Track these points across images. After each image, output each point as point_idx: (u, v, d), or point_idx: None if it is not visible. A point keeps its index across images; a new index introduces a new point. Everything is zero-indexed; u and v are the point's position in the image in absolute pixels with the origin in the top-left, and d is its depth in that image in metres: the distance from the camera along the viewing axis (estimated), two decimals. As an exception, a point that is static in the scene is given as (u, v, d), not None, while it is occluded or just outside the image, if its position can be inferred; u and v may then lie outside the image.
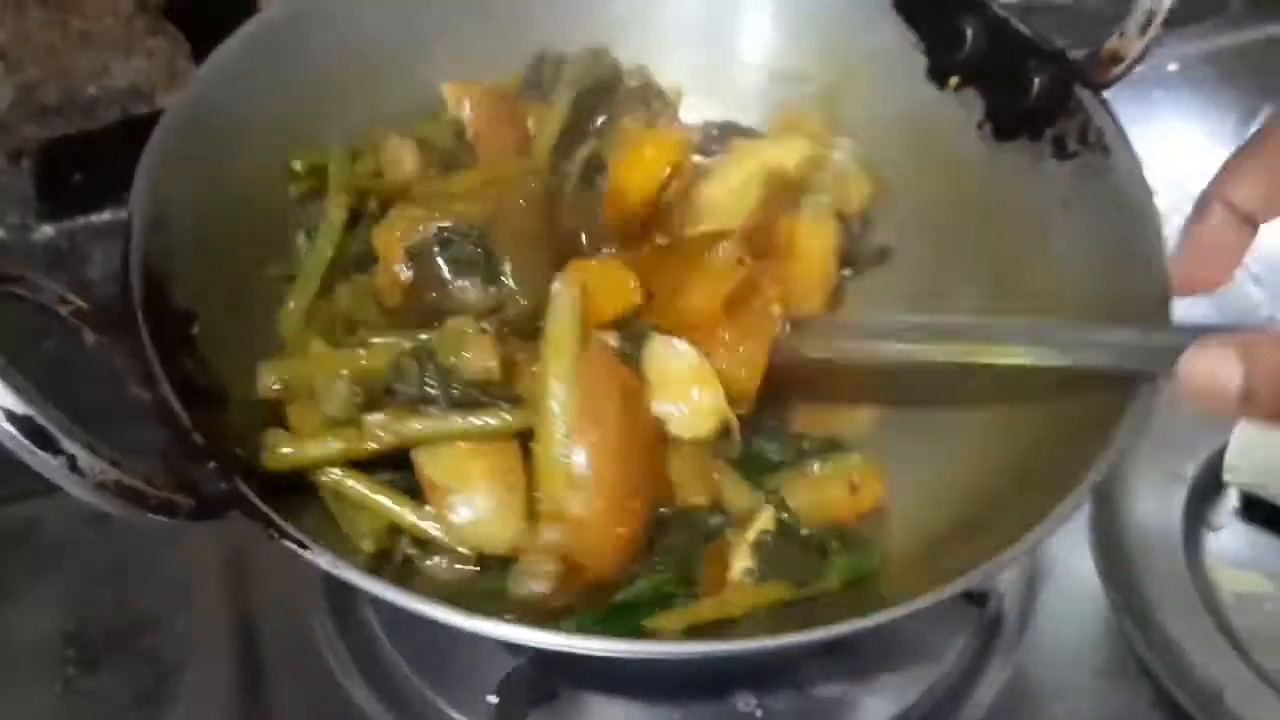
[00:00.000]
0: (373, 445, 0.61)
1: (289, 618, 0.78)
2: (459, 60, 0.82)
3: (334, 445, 0.61)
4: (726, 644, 0.54)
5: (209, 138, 0.70)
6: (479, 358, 0.60)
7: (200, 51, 0.95)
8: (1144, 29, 0.68)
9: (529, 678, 0.71)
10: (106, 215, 1.01)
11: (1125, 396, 0.58)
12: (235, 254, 0.70)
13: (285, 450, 0.60)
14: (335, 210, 0.73)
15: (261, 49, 0.75)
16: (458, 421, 0.60)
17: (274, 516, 0.53)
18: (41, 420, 0.47)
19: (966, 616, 0.75)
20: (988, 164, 0.75)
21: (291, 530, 0.53)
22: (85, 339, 0.59)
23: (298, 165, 0.76)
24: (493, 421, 0.61)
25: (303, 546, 0.52)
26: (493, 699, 0.70)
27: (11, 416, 0.46)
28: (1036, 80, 0.72)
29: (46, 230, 0.95)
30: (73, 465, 0.48)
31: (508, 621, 0.51)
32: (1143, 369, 0.57)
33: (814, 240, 0.75)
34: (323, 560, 0.52)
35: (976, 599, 0.75)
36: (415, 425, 0.61)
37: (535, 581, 0.59)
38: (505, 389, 0.61)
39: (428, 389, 0.61)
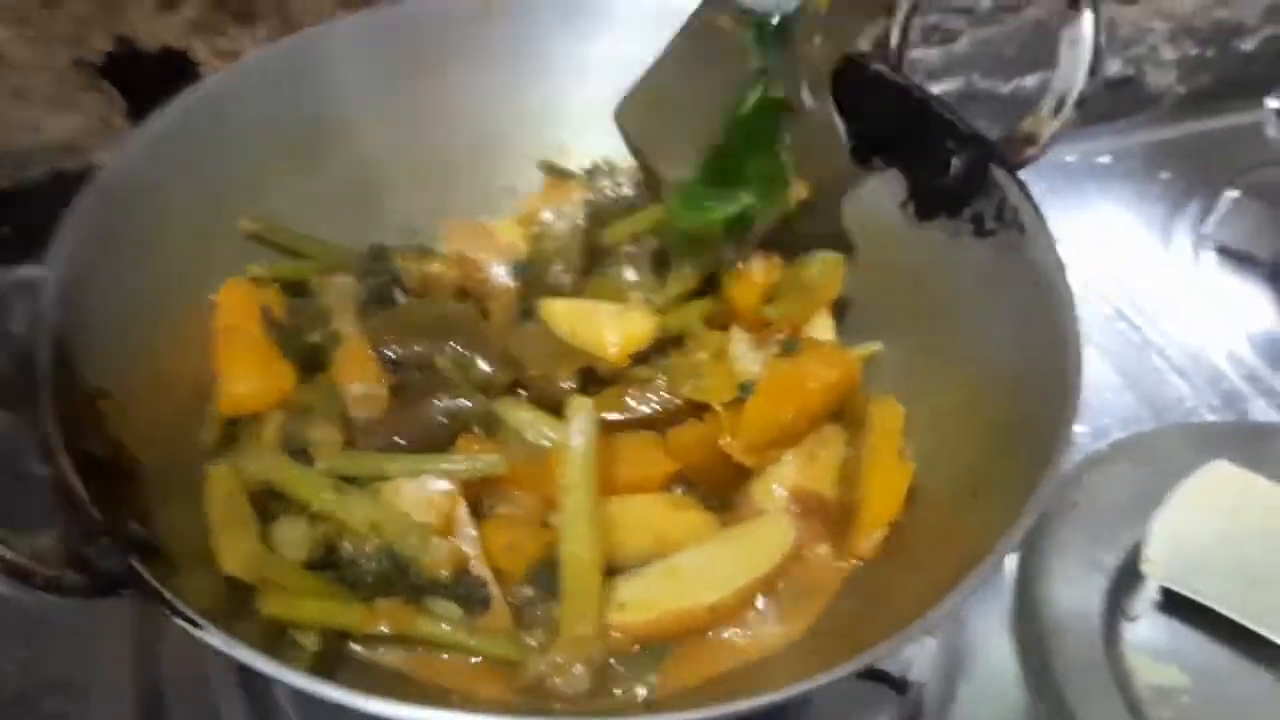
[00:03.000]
0: (379, 629, 0.62)
1: (196, 688, 0.76)
2: (394, 140, 0.83)
3: (343, 617, 0.62)
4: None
5: (136, 209, 0.70)
6: (437, 562, 0.63)
7: (136, 109, 0.95)
8: (1056, 111, 0.70)
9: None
10: (34, 269, 1.00)
11: (1033, 481, 0.58)
12: (156, 328, 0.69)
13: (276, 606, 0.61)
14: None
15: (198, 120, 0.75)
16: (463, 637, 0.63)
17: (166, 594, 0.52)
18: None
19: (886, 703, 0.75)
20: (912, 240, 0.77)
21: (184, 608, 0.52)
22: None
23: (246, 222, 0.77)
24: (495, 649, 0.63)
25: (195, 625, 0.51)
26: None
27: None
28: (955, 161, 0.73)
29: (-29, 281, 0.94)
30: (-50, 542, 0.47)
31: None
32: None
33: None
34: (215, 639, 0.51)
35: (897, 685, 0.75)
36: (423, 627, 0.63)
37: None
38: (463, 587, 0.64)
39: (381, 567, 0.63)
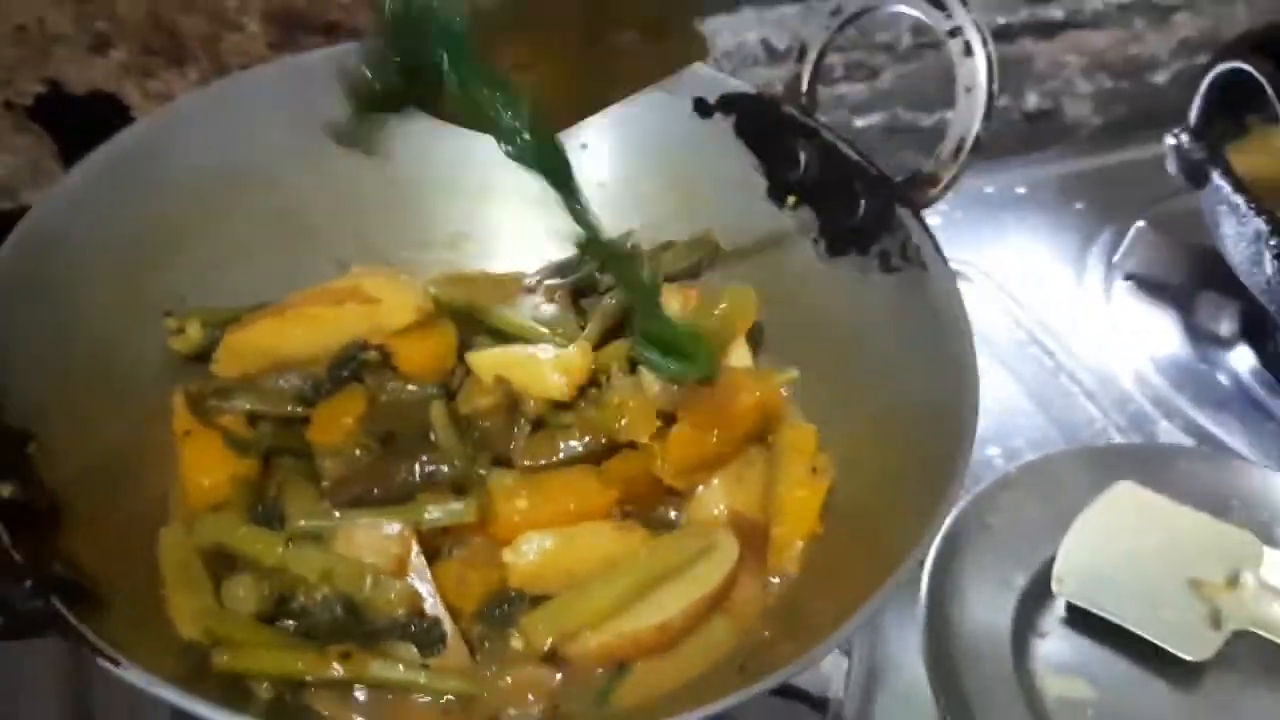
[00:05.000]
0: (333, 674, 0.63)
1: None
2: (324, 183, 0.84)
3: (294, 664, 0.63)
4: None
5: (60, 255, 0.71)
6: (390, 603, 0.64)
7: (66, 152, 0.96)
8: (955, 155, 0.73)
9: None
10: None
11: (932, 508, 0.62)
12: (84, 373, 0.70)
13: (228, 660, 0.62)
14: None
15: (125, 165, 0.76)
16: (415, 676, 0.64)
17: (87, 633, 0.53)
18: None
19: (805, 721, 0.77)
20: (824, 275, 0.80)
21: (105, 647, 0.53)
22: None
23: (172, 323, 0.78)
24: (449, 686, 0.64)
25: (115, 663, 0.52)
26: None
27: None
28: (863, 201, 0.77)
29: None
30: None
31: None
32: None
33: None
34: (134, 676, 0.52)
35: (815, 704, 0.77)
36: (377, 669, 0.63)
37: None
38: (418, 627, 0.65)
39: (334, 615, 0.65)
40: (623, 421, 0.73)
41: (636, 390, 0.74)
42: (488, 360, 0.76)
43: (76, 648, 0.54)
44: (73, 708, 0.77)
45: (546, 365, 0.75)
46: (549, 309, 0.84)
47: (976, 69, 0.70)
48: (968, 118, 0.71)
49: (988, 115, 0.71)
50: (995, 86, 0.70)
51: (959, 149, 0.72)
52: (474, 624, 0.68)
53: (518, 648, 0.65)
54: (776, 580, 0.72)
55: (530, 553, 0.67)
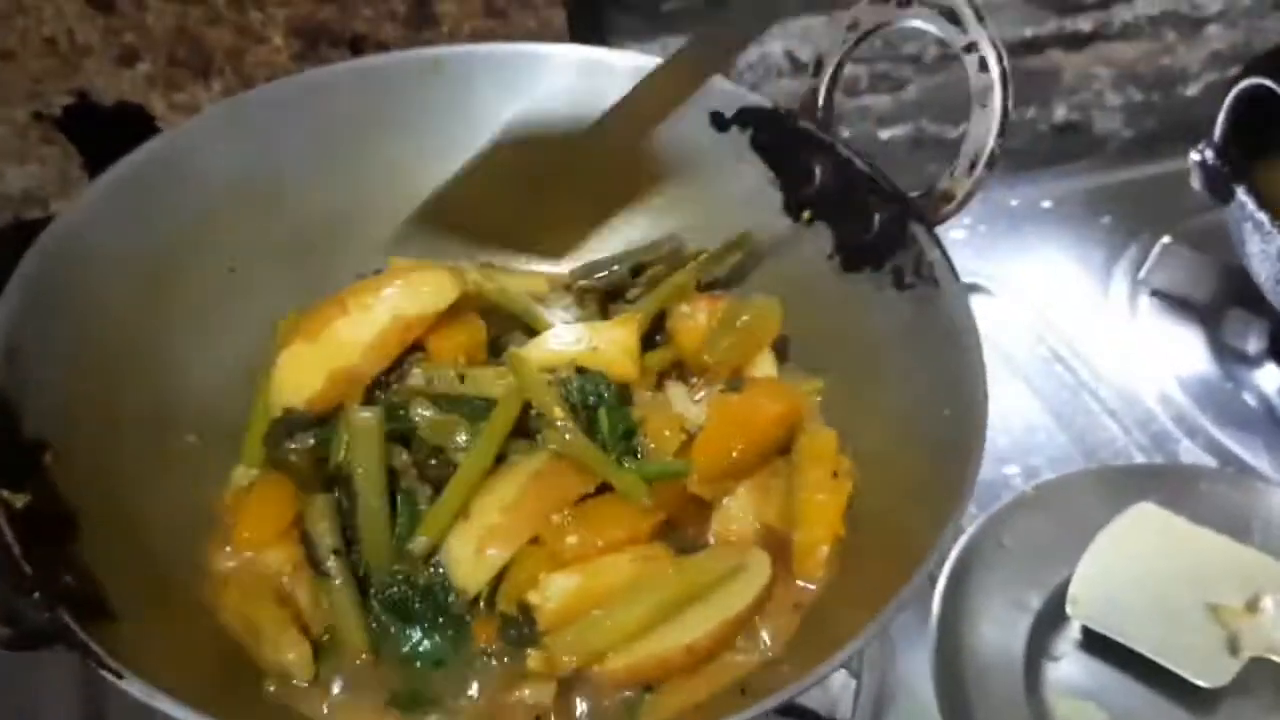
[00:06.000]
0: None
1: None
2: (347, 192, 0.85)
3: None
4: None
5: (83, 263, 0.72)
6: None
7: (91, 163, 0.97)
8: (971, 169, 0.72)
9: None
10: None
11: (935, 532, 0.61)
12: (102, 383, 0.71)
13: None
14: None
15: (148, 176, 0.77)
16: None
17: (92, 645, 0.54)
18: None
19: (817, 742, 0.76)
20: (840, 289, 0.79)
21: (108, 659, 0.53)
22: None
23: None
24: None
25: (118, 676, 0.53)
26: None
27: None
28: (877, 216, 0.76)
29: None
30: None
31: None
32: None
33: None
34: (136, 690, 0.53)
35: (826, 725, 0.77)
36: None
37: None
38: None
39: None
40: (648, 439, 0.73)
41: (662, 406, 0.74)
42: (538, 355, 0.75)
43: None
44: (88, 713, 0.78)
45: (606, 351, 0.75)
46: (575, 312, 0.83)
47: (992, 84, 0.69)
48: (983, 133, 0.70)
49: (1002, 131, 0.70)
50: (1010, 102, 0.69)
51: (974, 165, 0.71)
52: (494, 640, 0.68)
53: (534, 668, 0.65)
54: (805, 587, 0.71)
55: (555, 595, 0.66)
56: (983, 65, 0.70)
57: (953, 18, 0.70)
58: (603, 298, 0.84)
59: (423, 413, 0.72)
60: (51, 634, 0.54)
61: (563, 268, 0.88)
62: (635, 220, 0.88)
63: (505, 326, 0.80)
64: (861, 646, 0.57)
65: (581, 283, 0.85)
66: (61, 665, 0.80)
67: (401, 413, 0.72)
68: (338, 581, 0.68)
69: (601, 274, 0.85)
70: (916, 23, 0.72)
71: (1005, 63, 0.69)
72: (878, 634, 0.57)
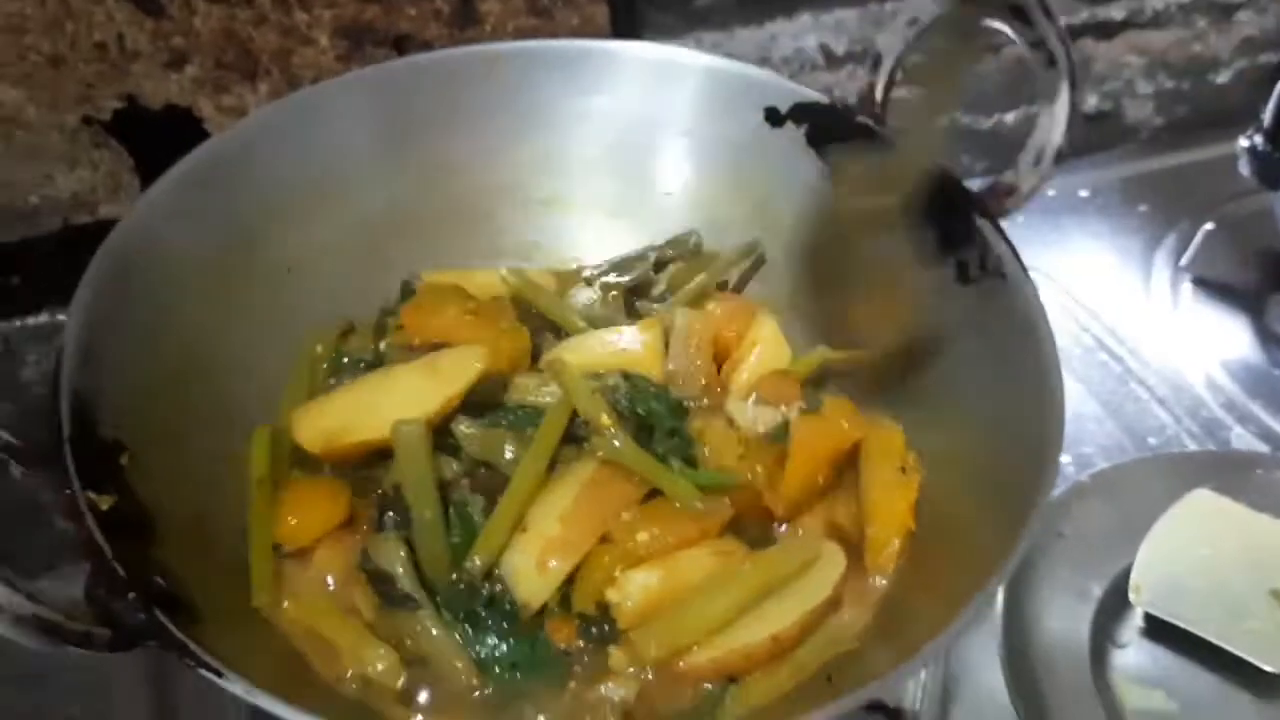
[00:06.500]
0: None
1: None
2: (397, 191, 0.86)
3: None
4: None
5: (150, 267, 0.72)
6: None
7: (142, 166, 0.97)
8: (1036, 163, 0.72)
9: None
10: (43, 318, 1.03)
11: (1018, 519, 0.61)
12: (172, 384, 0.71)
13: None
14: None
15: (205, 177, 0.77)
16: None
17: (190, 645, 0.54)
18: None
19: (884, 732, 0.77)
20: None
21: (207, 658, 0.54)
22: (12, 472, 0.59)
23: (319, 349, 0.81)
24: None
25: (218, 674, 0.53)
26: None
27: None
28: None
29: (-18, 330, 0.96)
30: (-11, 601, 0.49)
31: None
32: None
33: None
34: (237, 688, 0.53)
35: (892, 714, 0.77)
36: None
37: None
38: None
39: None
40: (705, 450, 0.73)
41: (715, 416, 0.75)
42: (578, 359, 0.76)
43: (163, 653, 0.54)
44: (160, 707, 0.79)
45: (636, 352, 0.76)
46: (600, 311, 0.84)
47: (1060, 80, 0.69)
48: (1050, 129, 0.71)
49: (1069, 127, 0.70)
50: (1078, 97, 0.69)
51: (1039, 159, 0.72)
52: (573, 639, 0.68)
53: (616, 666, 0.65)
54: (878, 582, 0.71)
55: (635, 593, 0.66)
56: (1050, 61, 0.70)
57: (1019, 14, 0.70)
58: (628, 294, 0.85)
59: (465, 430, 0.72)
60: (148, 635, 0.55)
61: (572, 264, 0.89)
62: (682, 214, 0.88)
63: (533, 325, 0.81)
64: (951, 641, 0.57)
65: (605, 279, 0.85)
66: (128, 666, 0.80)
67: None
68: (424, 613, 0.67)
69: (631, 274, 0.85)
70: (982, 19, 0.72)
71: (1074, 59, 0.69)
72: (966, 625, 0.56)
